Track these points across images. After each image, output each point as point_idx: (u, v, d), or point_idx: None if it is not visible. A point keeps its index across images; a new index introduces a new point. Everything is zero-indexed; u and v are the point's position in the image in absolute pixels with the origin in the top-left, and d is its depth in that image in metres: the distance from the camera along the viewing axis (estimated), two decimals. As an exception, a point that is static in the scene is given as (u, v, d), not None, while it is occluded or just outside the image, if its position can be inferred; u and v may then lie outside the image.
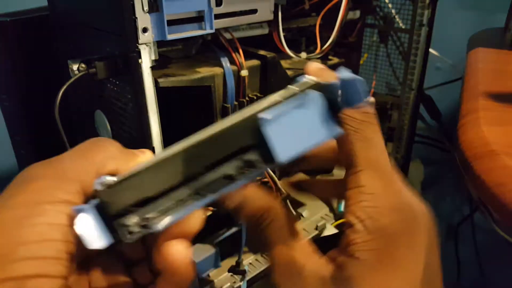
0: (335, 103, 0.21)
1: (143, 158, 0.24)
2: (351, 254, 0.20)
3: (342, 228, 0.24)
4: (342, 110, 0.21)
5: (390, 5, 0.66)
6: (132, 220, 0.20)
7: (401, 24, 0.66)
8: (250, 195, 0.22)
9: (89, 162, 0.22)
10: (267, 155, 0.20)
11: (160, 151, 0.21)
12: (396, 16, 0.66)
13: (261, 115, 0.20)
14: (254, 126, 0.20)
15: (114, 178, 0.20)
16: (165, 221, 0.20)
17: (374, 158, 0.22)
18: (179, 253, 0.21)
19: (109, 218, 0.20)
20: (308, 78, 0.21)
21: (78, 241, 0.20)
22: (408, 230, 0.20)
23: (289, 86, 0.21)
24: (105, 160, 0.22)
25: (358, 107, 0.21)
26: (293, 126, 0.20)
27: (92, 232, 0.19)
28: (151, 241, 0.24)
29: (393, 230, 0.20)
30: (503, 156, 0.42)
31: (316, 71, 0.23)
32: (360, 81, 0.21)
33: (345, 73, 0.20)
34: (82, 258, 0.23)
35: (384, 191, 0.21)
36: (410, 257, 0.20)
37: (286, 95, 0.20)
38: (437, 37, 0.64)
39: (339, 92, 0.21)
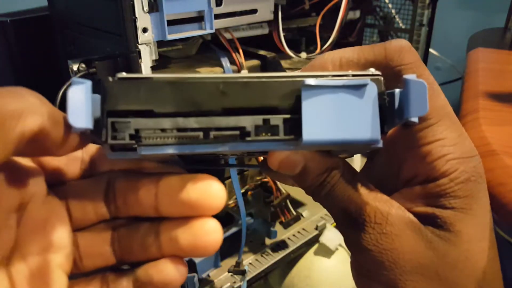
0: (390, 109, 0.18)
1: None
2: (442, 204, 0.20)
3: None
4: (396, 121, 0.18)
5: (390, 5, 0.66)
6: (125, 124, 0.17)
7: (401, 24, 0.66)
8: (310, 157, 0.21)
9: None
10: (292, 126, 0.18)
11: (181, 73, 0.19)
12: (396, 16, 0.66)
13: (307, 80, 0.18)
14: (293, 89, 0.18)
15: (126, 74, 0.18)
16: (154, 147, 0.18)
17: (442, 105, 0.21)
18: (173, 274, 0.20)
19: (103, 111, 0.17)
20: (373, 70, 0.19)
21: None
22: (483, 175, 0.21)
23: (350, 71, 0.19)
24: (21, 112, 0.15)
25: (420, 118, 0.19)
26: (335, 108, 0.18)
27: (79, 107, 0.17)
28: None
29: (475, 177, 0.20)
30: (503, 156, 0.42)
31: (400, 53, 0.21)
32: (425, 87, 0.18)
33: (412, 76, 0.18)
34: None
35: (461, 140, 0.21)
36: (486, 201, 0.21)
37: (341, 74, 0.18)
38: (437, 37, 0.64)
39: (398, 100, 0.18)
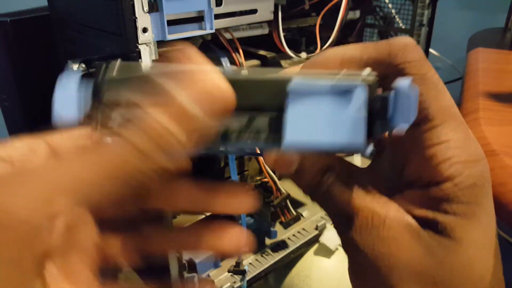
0: (381, 114, 0.17)
1: None
2: (445, 209, 0.20)
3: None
4: (387, 127, 0.18)
5: (390, 5, 0.66)
6: (115, 114, 0.18)
7: (401, 24, 0.66)
8: (305, 155, 0.20)
9: None
10: (275, 129, 0.17)
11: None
12: (396, 16, 0.66)
13: (294, 79, 0.17)
14: (279, 91, 0.17)
15: (116, 74, 0.18)
16: None
17: (447, 105, 0.20)
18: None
19: (94, 101, 0.18)
20: (368, 71, 0.18)
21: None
22: (489, 179, 0.20)
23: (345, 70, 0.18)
24: None
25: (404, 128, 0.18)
26: (321, 113, 0.17)
27: (68, 97, 0.18)
28: None
29: (480, 182, 0.20)
30: (503, 156, 0.42)
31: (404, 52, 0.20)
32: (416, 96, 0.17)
33: (404, 83, 0.17)
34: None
35: (467, 143, 0.20)
36: (491, 206, 0.20)
37: (333, 74, 0.17)
38: (437, 37, 0.64)
39: (390, 107, 0.17)
